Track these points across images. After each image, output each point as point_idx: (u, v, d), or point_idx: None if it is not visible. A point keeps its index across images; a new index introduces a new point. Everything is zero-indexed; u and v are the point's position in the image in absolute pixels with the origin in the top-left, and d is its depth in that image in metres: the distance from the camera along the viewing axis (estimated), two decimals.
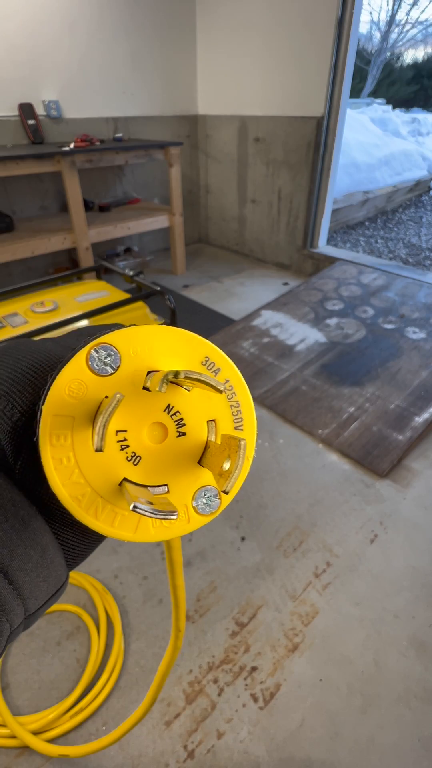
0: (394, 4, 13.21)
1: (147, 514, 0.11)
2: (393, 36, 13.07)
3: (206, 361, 0.13)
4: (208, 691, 0.80)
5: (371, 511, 1.15)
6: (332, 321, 2.00)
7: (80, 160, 1.99)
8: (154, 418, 0.12)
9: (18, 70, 2.05)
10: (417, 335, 1.85)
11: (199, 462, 0.13)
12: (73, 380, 0.12)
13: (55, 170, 1.95)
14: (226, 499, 0.13)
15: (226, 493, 0.11)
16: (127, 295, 1.48)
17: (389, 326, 1.92)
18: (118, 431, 0.12)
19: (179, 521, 0.13)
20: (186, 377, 0.11)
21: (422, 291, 2.18)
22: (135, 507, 0.11)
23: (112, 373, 0.12)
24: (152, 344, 0.12)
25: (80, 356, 0.12)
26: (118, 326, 0.21)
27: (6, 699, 0.79)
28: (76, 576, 0.96)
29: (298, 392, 1.58)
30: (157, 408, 0.12)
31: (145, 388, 0.12)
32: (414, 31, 13.46)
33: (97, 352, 0.12)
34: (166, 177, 2.60)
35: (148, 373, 0.12)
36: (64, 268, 2.59)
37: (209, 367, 0.13)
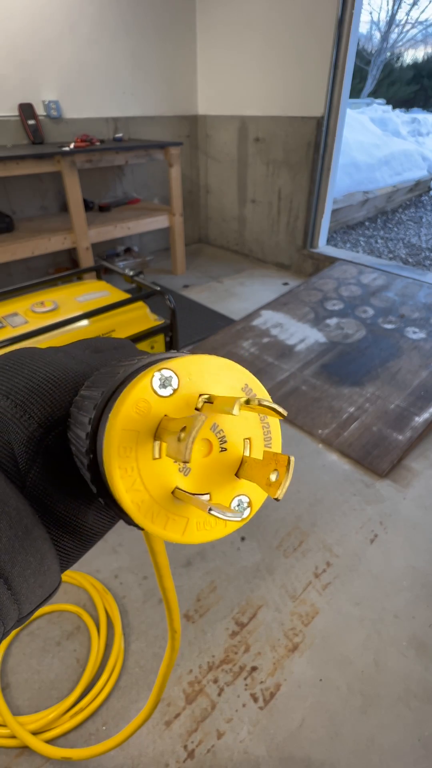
0: (394, 4, 13.21)
1: (221, 516, 0.12)
2: (393, 36, 13.08)
3: (245, 387, 0.15)
4: (208, 691, 0.80)
5: (371, 511, 1.15)
6: (332, 321, 2.00)
7: (80, 160, 1.99)
8: (202, 435, 0.14)
9: (18, 71, 2.05)
10: (417, 335, 1.85)
11: (236, 474, 0.15)
12: (139, 399, 0.13)
13: (55, 170, 1.95)
14: (255, 508, 0.15)
15: (278, 500, 0.13)
16: (127, 295, 1.48)
17: (389, 326, 1.93)
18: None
19: (218, 525, 0.15)
20: (259, 404, 0.13)
21: (422, 291, 2.18)
22: (211, 510, 0.12)
23: (171, 395, 0.14)
24: (203, 371, 0.14)
25: (146, 379, 0.13)
26: (125, 341, 0.21)
27: (6, 699, 0.79)
28: (76, 576, 0.97)
29: (298, 392, 1.58)
30: (206, 426, 0.14)
31: (197, 409, 0.14)
32: (414, 31, 13.47)
33: (159, 374, 0.13)
34: (166, 177, 2.60)
35: (200, 395, 0.14)
36: (64, 268, 2.59)
37: (248, 393, 0.15)
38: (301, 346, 1.85)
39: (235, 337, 1.93)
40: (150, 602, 0.93)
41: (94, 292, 1.49)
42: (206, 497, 0.14)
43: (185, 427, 0.12)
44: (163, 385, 0.13)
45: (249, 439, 0.15)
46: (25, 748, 0.73)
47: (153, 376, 0.13)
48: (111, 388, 0.14)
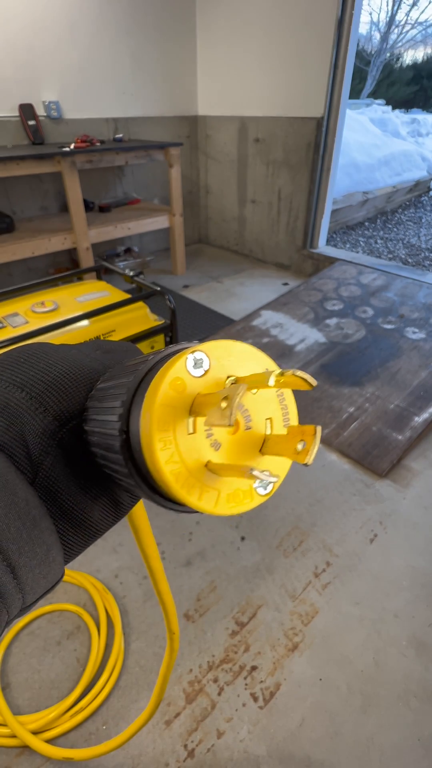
0: (393, 5, 13.22)
1: (262, 476, 0.13)
2: (392, 37, 13.10)
3: (266, 371, 0.16)
4: (208, 691, 0.80)
5: (371, 510, 1.15)
6: (332, 321, 2.00)
7: (80, 160, 1.99)
8: None
9: (18, 71, 2.06)
10: (416, 335, 1.85)
11: (260, 450, 0.16)
12: (176, 378, 0.14)
13: (56, 171, 1.95)
14: (277, 483, 0.16)
15: (308, 465, 0.14)
16: (127, 296, 1.48)
17: (389, 326, 1.93)
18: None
19: (245, 499, 0.16)
20: (293, 374, 0.14)
21: (422, 291, 2.19)
22: (252, 470, 0.13)
23: (202, 375, 0.15)
24: (230, 354, 0.16)
25: (181, 360, 0.14)
26: (132, 346, 0.22)
27: (6, 698, 0.79)
28: (76, 576, 0.97)
29: (297, 392, 1.58)
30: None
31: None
32: (413, 31, 13.48)
33: (193, 356, 0.15)
34: (166, 177, 2.61)
35: (228, 377, 0.15)
36: (65, 269, 2.59)
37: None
38: (300, 346, 1.85)
39: (235, 337, 1.93)
40: (150, 602, 0.94)
41: (94, 293, 1.49)
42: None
43: (227, 396, 0.13)
44: (196, 366, 0.15)
45: (270, 419, 0.16)
46: (25, 748, 0.73)
47: (187, 357, 0.15)
48: (143, 372, 0.15)
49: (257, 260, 2.98)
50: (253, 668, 0.83)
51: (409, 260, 3.13)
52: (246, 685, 0.81)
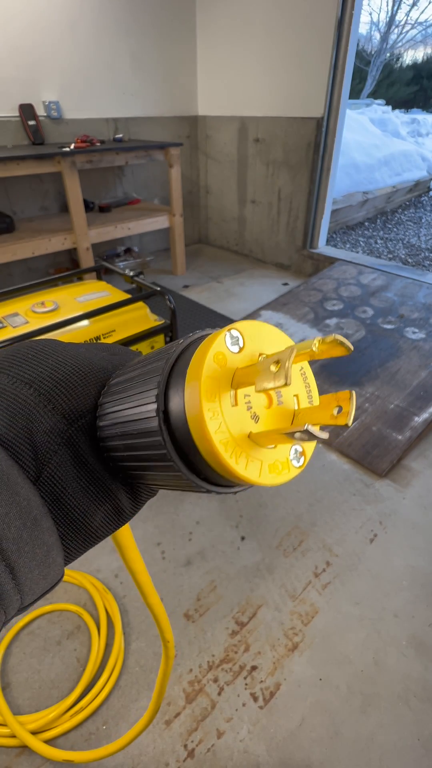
0: (393, 5, 13.22)
1: (314, 432, 0.14)
2: (392, 37, 13.10)
3: (309, 340, 0.17)
4: (208, 691, 0.80)
5: (371, 510, 1.15)
6: (332, 321, 2.00)
7: (80, 160, 1.99)
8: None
9: (18, 71, 2.06)
10: (416, 335, 1.85)
11: (291, 424, 0.17)
12: (218, 353, 0.15)
13: (56, 171, 1.95)
14: (307, 458, 0.17)
15: (348, 426, 0.14)
16: (127, 296, 1.48)
17: (389, 326, 1.93)
18: (245, 395, 0.16)
19: (285, 470, 0.16)
20: (334, 339, 0.15)
21: (421, 291, 2.19)
22: (307, 428, 0.14)
23: (239, 351, 0.16)
24: (261, 334, 0.17)
25: (221, 336, 0.15)
26: (137, 352, 0.23)
27: (7, 698, 0.79)
28: (76, 575, 0.97)
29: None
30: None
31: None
32: (413, 31, 13.49)
33: (230, 334, 0.15)
34: (166, 178, 2.61)
35: (259, 354, 0.16)
36: (65, 269, 2.59)
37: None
38: None
39: None
40: None
41: (94, 293, 1.49)
42: (271, 446, 0.16)
43: (278, 360, 0.14)
44: (233, 343, 0.16)
45: (296, 395, 0.17)
46: (25, 748, 0.73)
47: (226, 334, 0.15)
48: (175, 354, 0.16)
49: (257, 260, 2.98)
50: (253, 668, 0.83)
51: (409, 260, 3.13)
52: (246, 684, 0.81)
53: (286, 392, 0.17)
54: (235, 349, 0.16)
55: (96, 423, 0.17)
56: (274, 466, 0.16)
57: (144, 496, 0.19)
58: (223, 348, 0.15)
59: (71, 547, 0.17)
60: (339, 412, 0.15)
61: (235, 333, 0.16)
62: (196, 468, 0.15)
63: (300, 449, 0.17)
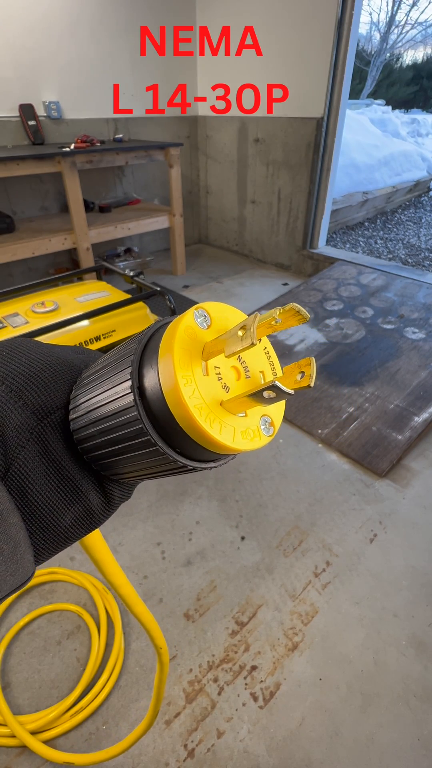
0: (393, 5, 13.23)
1: (281, 387, 0.15)
2: (392, 37, 13.10)
3: (272, 310, 0.18)
4: (208, 690, 0.80)
5: (371, 510, 1.15)
6: (332, 321, 2.00)
7: (80, 160, 2.00)
8: (232, 363, 0.18)
9: (18, 71, 2.06)
10: (416, 335, 1.85)
11: None
12: (188, 326, 0.16)
13: (56, 171, 1.95)
14: (276, 427, 0.18)
15: (311, 386, 0.16)
16: (127, 296, 1.48)
17: (388, 326, 1.93)
18: (215, 366, 0.17)
19: (256, 437, 0.17)
20: (292, 307, 0.16)
21: (421, 291, 2.19)
22: (275, 383, 0.15)
23: (207, 328, 0.17)
24: (225, 313, 0.18)
25: (190, 313, 0.16)
26: (94, 351, 0.23)
27: (7, 698, 0.79)
28: (76, 575, 0.97)
29: (297, 392, 1.58)
30: (234, 357, 0.18)
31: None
32: (413, 32, 13.49)
33: (198, 312, 0.17)
34: (166, 178, 2.61)
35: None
36: (65, 269, 2.59)
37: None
38: (300, 346, 1.85)
39: None
40: (150, 601, 0.94)
41: (94, 293, 1.50)
42: (242, 414, 0.17)
43: (244, 325, 0.15)
44: (202, 320, 0.17)
45: (262, 371, 0.19)
46: (25, 748, 0.73)
47: (194, 312, 0.17)
48: (146, 337, 0.17)
49: (257, 260, 2.98)
50: (253, 668, 0.83)
51: (409, 260, 3.13)
52: (246, 684, 0.81)
53: (252, 368, 0.18)
54: (204, 325, 0.17)
55: (68, 418, 0.17)
56: (246, 433, 0.17)
57: (117, 498, 0.19)
58: (192, 324, 0.16)
59: (41, 546, 0.17)
60: (302, 377, 0.16)
61: (202, 311, 0.17)
62: (172, 442, 0.16)
63: (269, 420, 0.18)
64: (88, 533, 0.19)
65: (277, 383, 0.15)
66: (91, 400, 0.17)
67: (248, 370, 0.18)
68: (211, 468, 0.18)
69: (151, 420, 0.16)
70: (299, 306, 0.16)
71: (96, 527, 0.19)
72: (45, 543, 0.17)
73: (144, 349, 0.16)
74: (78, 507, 0.17)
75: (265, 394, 0.15)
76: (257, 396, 0.15)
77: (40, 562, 0.18)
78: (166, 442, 0.16)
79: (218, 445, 0.16)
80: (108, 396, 0.16)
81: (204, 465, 0.17)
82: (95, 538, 0.30)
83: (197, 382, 0.15)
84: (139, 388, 0.16)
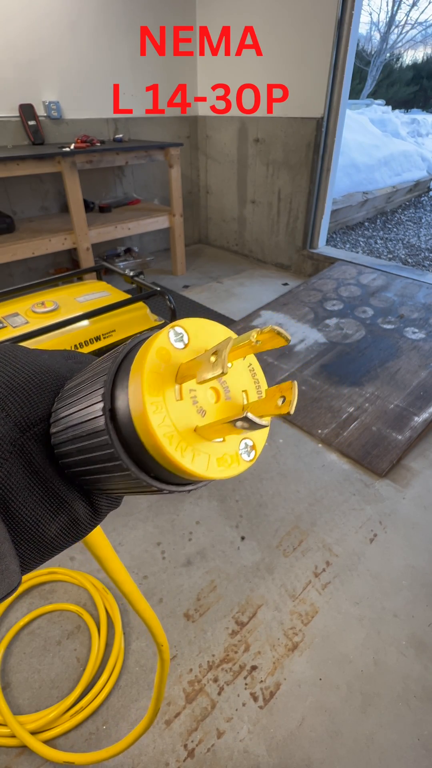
0: (393, 5, 13.23)
1: (253, 419, 0.14)
2: (392, 37, 13.10)
3: (249, 333, 0.17)
4: (208, 690, 0.80)
5: (371, 510, 1.15)
6: (332, 321, 2.00)
7: (80, 160, 2.00)
8: (211, 384, 0.17)
9: (18, 71, 2.06)
10: (416, 335, 1.85)
11: None
12: (161, 348, 0.15)
13: (56, 171, 1.95)
14: (258, 450, 0.17)
15: (290, 414, 0.15)
16: (127, 296, 1.48)
17: (388, 326, 1.93)
18: (190, 389, 0.16)
19: (234, 464, 0.16)
20: (271, 329, 0.15)
21: (421, 291, 2.19)
22: (246, 415, 0.14)
23: (183, 348, 0.16)
24: (206, 331, 0.17)
25: (164, 332, 0.15)
26: (89, 356, 0.23)
27: (7, 698, 0.79)
28: (76, 575, 0.97)
29: (297, 393, 1.58)
30: (214, 378, 0.16)
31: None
32: (413, 32, 13.49)
33: (173, 331, 0.16)
34: (166, 178, 2.61)
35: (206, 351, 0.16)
36: (65, 269, 2.59)
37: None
38: (300, 346, 1.85)
39: None
40: (150, 601, 0.94)
41: (94, 293, 1.50)
42: (219, 439, 0.16)
43: (216, 351, 0.14)
44: (178, 340, 0.16)
45: (245, 391, 0.18)
46: (25, 748, 0.73)
47: (169, 331, 0.16)
48: (122, 355, 0.16)
49: (257, 260, 2.98)
50: (253, 668, 0.83)
51: (409, 260, 3.13)
52: (246, 684, 0.81)
53: (234, 387, 0.17)
54: (180, 345, 0.16)
55: (50, 430, 0.17)
56: (223, 460, 0.16)
57: (104, 507, 0.19)
58: (167, 344, 0.15)
59: (27, 556, 0.17)
60: (284, 401, 0.15)
61: (179, 330, 0.16)
62: (146, 467, 0.15)
63: (250, 442, 0.17)
64: (76, 542, 0.19)
65: (249, 415, 0.14)
66: (68, 417, 0.16)
67: (229, 391, 0.17)
68: (189, 491, 0.17)
69: (124, 444, 0.15)
70: (279, 328, 0.15)
71: (84, 536, 0.19)
72: (31, 553, 0.17)
73: (118, 369, 0.16)
74: (63, 518, 0.17)
75: (238, 424, 0.14)
76: (231, 424, 0.14)
77: (27, 571, 0.18)
78: (140, 466, 0.15)
79: (190, 473, 0.15)
80: (82, 415, 0.16)
81: (181, 489, 0.17)
82: (98, 536, 0.30)
83: (168, 408, 0.15)
84: (111, 410, 0.15)
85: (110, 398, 0.15)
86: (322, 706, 0.78)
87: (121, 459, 0.15)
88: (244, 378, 0.18)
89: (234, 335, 0.17)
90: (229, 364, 0.17)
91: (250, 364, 0.18)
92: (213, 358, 0.14)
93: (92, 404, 0.15)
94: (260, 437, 0.18)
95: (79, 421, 0.16)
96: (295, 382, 0.15)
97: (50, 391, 0.18)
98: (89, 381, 0.16)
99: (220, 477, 0.16)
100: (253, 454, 0.17)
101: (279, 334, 0.15)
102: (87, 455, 0.16)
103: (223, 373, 0.13)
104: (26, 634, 0.88)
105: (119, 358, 0.16)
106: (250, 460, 0.17)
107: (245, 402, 0.17)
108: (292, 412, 0.15)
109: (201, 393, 0.16)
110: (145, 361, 0.15)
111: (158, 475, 0.16)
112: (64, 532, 0.18)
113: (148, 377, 0.14)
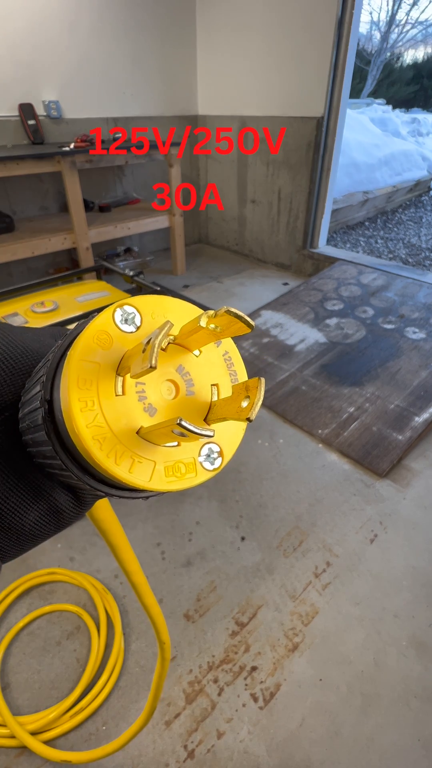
0: (393, 5, 13.21)
1: (191, 428, 0.11)
2: (393, 36, 13.08)
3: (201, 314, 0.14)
4: (208, 691, 0.80)
5: (371, 510, 1.15)
6: (332, 321, 2.00)
7: (80, 160, 1.99)
8: (168, 376, 0.14)
9: (18, 71, 2.05)
10: (417, 335, 1.85)
11: (205, 420, 0.14)
12: (101, 331, 0.13)
13: (56, 170, 1.95)
14: (226, 458, 0.14)
15: (251, 420, 0.12)
16: (127, 296, 1.48)
17: (389, 326, 1.93)
18: (137, 383, 0.13)
19: (190, 473, 0.14)
20: (227, 311, 0.12)
21: (422, 291, 2.18)
22: (180, 421, 0.11)
23: (134, 332, 0.13)
24: (166, 310, 0.14)
25: (108, 312, 0.13)
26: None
27: (6, 699, 0.79)
28: (76, 576, 0.97)
29: (297, 392, 1.58)
30: (171, 367, 0.14)
31: (162, 349, 0.13)
32: (414, 31, 13.46)
33: (122, 310, 0.13)
34: (166, 177, 2.60)
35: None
36: (65, 269, 2.59)
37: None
38: (301, 346, 1.85)
39: (235, 337, 1.93)
40: None
41: (94, 292, 1.49)
42: (173, 443, 0.13)
43: (150, 339, 0.12)
44: (126, 321, 0.13)
45: (216, 385, 0.15)
46: (25, 748, 0.73)
47: (115, 311, 0.13)
48: (70, 338, 0.14)
49: (257, 260, 2.98)
50: (253, 668, 0.83)
51: (410, 260, 3.12)
52: (246, 685, 0.81)
53: (200, 380, 0.14)
54: (129, 328, 0.13)
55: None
56: (175, 468, 0.13)
57: (89, 496, 0.18)
58: (109, 327, 0.13)
59: (5, 546, 0.16)
60: (248, 403, 0.13)
61: (129, 309, 0.13)
62: (89, 469, 0.13)
63: (216, 448, 0.14)
64: (60, 531, 0.18)
65: (184, 422, 0.11)
66: (24, 405, 0.15)
67: (193, 384, 0.14)
68: (146, 498, 0.15)
69: (62, 442, 0.13)
70: (237, 310, 0.12)
71: (68, 525, 0.18)
72: (9, 542, 0.16)
73: (63, 355, 0.13)
74: (41, 506, 0.17)
75: (176, 431, 0.12)
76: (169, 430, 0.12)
77: (6, 560, 0.17)
78: (84, 467, 0.13)
79: (130, 484, 0.13)
80: (31, 406, 0.14)
81: (135, 495, 0.15)
82: (112, 523, 0.28)
83: (103, 405, 0.12)
84: (49, 402, 0.13)
85: (50, 389, 0.13)
86: (322, 706, 0.78)
87: (60, 458, 0.13)
88: (216, 369, 0.15)
89: (200, 312, 0.15)
90: (197, 352, 0.14)
91: (226, 352, 0.15)
92: (147, 347, 0.12)
93: (35, 393, 0.14)
94: (230, 441, 0.15)
95: (29, 410, 0.14)
96: (263, 379, 0.13)
97: (24, 374, 0.16)
98: (44, 366, 0.14)
99: (168, 489, 0.13)
100: (219, 461, 0.14)
101: (238, 317, 0.12)
102: (37, 448, 0.14)
103: (152, 368, 0.11)
104: (26, 635, 0.88)
105: (67, 341, 0.14)
106: (214, 470, 0.14)
107: (215, 398, 0.15)
108: (252, 418, 0.12)
109: (153, 387, 0.13)
110: (76, 348, 0.12)
111: (104, 478, 0.13)
112: (44, 521, 0.17)
113: (76, 367, 0.12)
